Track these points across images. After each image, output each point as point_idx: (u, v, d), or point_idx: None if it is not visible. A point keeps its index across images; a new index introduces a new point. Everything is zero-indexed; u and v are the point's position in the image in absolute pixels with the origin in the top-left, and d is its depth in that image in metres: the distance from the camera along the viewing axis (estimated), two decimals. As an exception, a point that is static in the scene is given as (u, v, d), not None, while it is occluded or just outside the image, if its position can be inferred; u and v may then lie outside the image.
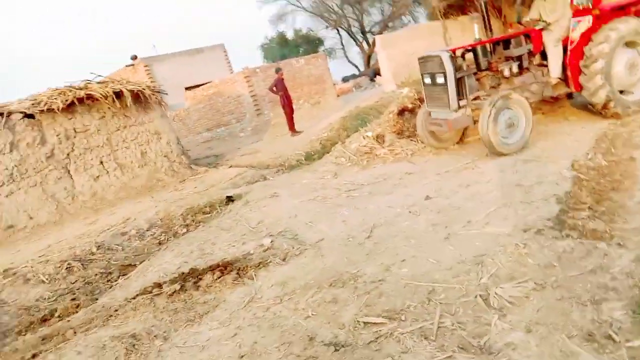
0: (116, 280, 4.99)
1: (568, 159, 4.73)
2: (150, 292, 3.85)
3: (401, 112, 7.51)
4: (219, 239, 5.07)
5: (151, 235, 6.54)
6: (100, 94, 9.26)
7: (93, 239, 6.46)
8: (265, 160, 10.20)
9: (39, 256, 6.25)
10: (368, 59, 31.38)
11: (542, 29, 6.06)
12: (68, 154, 9.15)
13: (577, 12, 6.00)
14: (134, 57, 19.02)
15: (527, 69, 6.13)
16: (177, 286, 3.80)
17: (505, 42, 6.10)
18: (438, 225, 3.98)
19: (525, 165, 5.00)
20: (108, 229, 6.89)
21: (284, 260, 4.04)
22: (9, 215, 8.22)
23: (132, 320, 3.50)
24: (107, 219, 7.74)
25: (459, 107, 5.73)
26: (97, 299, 4.51)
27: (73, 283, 5.31)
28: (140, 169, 10.01)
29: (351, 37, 32.88)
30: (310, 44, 36.84)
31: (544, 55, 6.16)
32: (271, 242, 4.46)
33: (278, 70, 12.57)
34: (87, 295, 4.88)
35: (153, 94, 10.42)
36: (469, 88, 5.77)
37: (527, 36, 6.05)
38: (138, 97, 10.04)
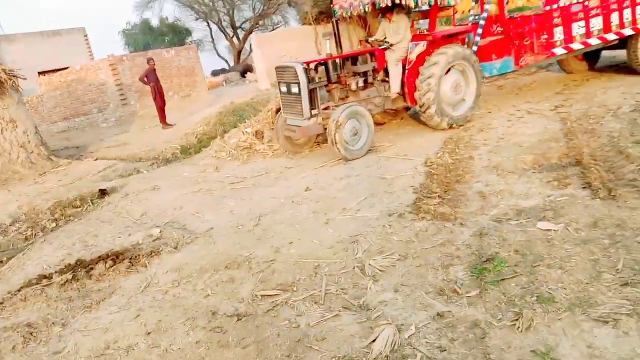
0: (-19, 278, 4.69)
1: (422, 157, 5.59)
2: (39, 284, 3.79)
3: (279, 111, 7.97)
4: (102, 231, 5.04)
5: (16, 230, 6.16)
6: (-56, 75, 8.30)
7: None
8: (137, 153, 9.96)
9: None
10: (239, 54, 31.40)
11: (385, 49, 6.74)
12: None
13: (415, 37, 6.79)
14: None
15: (372, 84, 6.77)
16: (69, 276, 3.80)
17: (354, 59, 6.74)
18: (318, 212, 4.51)
19: (388, 162, 5.78)
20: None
21: (176, 248, 4.24)
22: None
23: (23, 311, 3.45)
24: (-44, 214, 7.02)
25: (312, 116, 6.21)
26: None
27: None
28: (-5, 158, 9.14)
29: (221, 31, 32.55)
30: (177, 35, 35.67)
31: (387, 73, 6.86)
32: (160, 232, 4.61)
33: (150, 61, 12.25)
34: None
35: (9, 79, 9.55)
36: (320, 99, 6.27)
37: (373, 54, 6.71)
38: (-12, 82, 9.14)
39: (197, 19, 32.96)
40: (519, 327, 2.42)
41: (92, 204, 6.46)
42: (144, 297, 3.47)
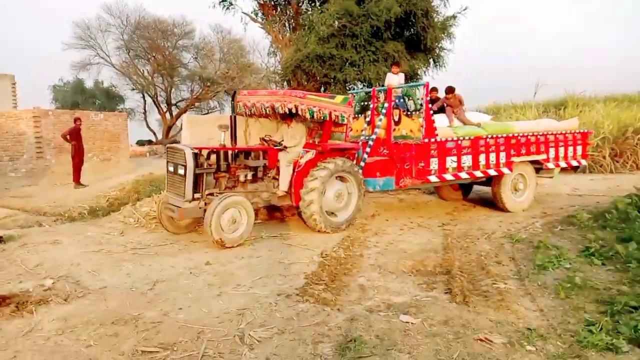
0: None
1: (319, 249, 6.12)
2: None
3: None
4: (-10, 276, 4.95)
5: None
6: None
7: None
8: (42, 207, 9.72)
9: None
10: (168, 129, 31.74)
11: (279, 150, 7.23)
12: None
13: (307, 145, 7.40)
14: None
15: (262, 179, 7.18)
16: (-53, 312, 3.74)
17: (247, 153, 7.15)
18: (213, 285, 4.80)
19: (289, 248, 6.25)
20: None
21: (66, 300, 4.31)
22: None
23: None
24: None
25: (193, 199, 6.38)
26: None
27: None
28: None
29: (155, 104, 32.98)
30: (109, 99, 35.60)
31: (278, 171, 7.28)
32: (52, 283, 4.66)
33: (77, 120, 12.33)
34: None
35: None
36: (205, 184, 6.52)
37: (265, 152, 7.15)
38: None
39: (133, 89, 33.32)
40: (362, 395, 2.82)
41: (-17, 249, 6.26)
42: (23, 340, 3.51)
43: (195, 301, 4.35)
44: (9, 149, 15.51)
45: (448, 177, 7.90)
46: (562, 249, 5.75)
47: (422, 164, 7.61)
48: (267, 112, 7.31)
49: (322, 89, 16.13)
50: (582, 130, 9.59)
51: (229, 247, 6.16)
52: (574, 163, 9.41)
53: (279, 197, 7.26)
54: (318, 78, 15.94)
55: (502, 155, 8.40)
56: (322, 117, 7.02)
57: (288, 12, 18.11)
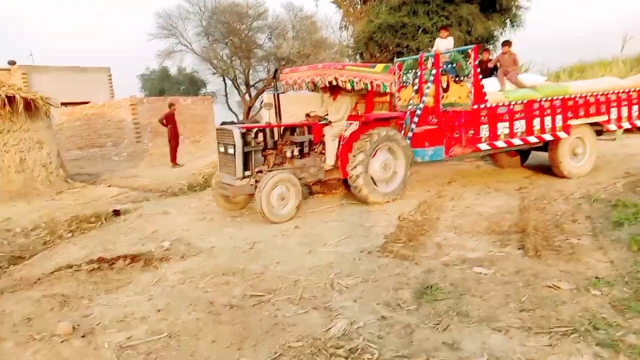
0: (7, 268, 5.49)
1: (397, 214, 6.56)
2: (69, 269, 4.64)
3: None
4: (119, 239, 5.93)
5: (36, 235, 6.96)
6: (-9, 95, 9.38)
7: (-25, 231, 6.72)
8: (147, 185, 10.91)
9: None
10: (249, 110, 33.08)
11: (324, 124, 7.35)
12: (-58, 149, 9.02)
13: (350, 117, 7.40)
14: (12, 63, 18.31)
15: (308, 154, 7.25)
16: (94, 265, 4.66)
17: (292, 129, 7.27)
18: (303, 244, 5.42)
19: (369, 213, 6.74)
20: (-13, 225, 7.14)
21: (182, 258, 5.12)
22: None
23: (57, 286, 4.29)
24: (-20, 218, 7.85)
25: (244, 177, 6.55)
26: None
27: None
28: (17, 174, 10.08)
29: (235, 87, 34.44)
30: (192, 85, 37.66)
31: (325, 145, 7.38)
32: (169, 245, 5.50)
33: (171, 105, 13.49)
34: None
35: (44, 105, 10.69)
36: (255, 162, 6.67)
37: (310, 127, 7.27)
38: (28, 105, 10.24)
39: (213, 73, 34.95)
40: (437, 328, 3.29)
41: (106, 221, 7.34)
42: (155, 287, 4.32)
43: (289, 257, 4.99)
44: (112, 135, 17.23)
45: (500, 144, 7.72)
46: (641, 206, 5.77)
47: (472, 132, 7.44)
48: (309, 87, 7.46)
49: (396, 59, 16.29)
50: None
51: (278, 222, 6.32)
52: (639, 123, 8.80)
53: (326, 172, 7.33)
54: (391, 48, 16.09)
55: (558, 118, 8.05)
56: (363, 87, 7.06)
57: None
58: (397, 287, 4.06)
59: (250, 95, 34.18)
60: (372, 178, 7.21)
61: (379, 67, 7.40)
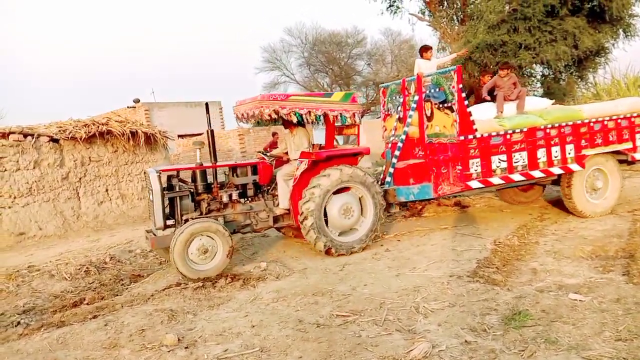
0: (129, 285, 6.18)
1: (493, 237, 6.38)
2: (178, 286, 5.17)
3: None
4: (222, 261, 6.43)
5: (153, 255, 7.74)
6: (119, 131, 10.69)
7: (104, 251, 7.65)
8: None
9: (57, 259, 7.38)
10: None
11: (280, 162, 6.56)
12: (80, 179, 10.43)
13: (303, 154, 6.36)
14: (137, 101, 20.59)
15: (258, 197, 6.39)
16: (200, 284, 5.14)
17: (234, 169, 6.39)
18: (392, 267, 5.50)
19: (462, 237, 6.63)
20: (114, 246, 8.08)
21: (277, 278, 5.45)
22: (22, 223, 9.36)
23: (167, 302, 4.81)
24: (108, 239, 8.89)
25: (166, 227, 5.80)
26: (117, 295, 5.72)
27: (91, 283, 6.44)
28: (139, 201, 11.29)
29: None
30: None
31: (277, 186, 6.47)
32: (266, 265, 5.86)
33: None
34: (107, 292, 6.07)
35: (162, 138, 11.93)
36: (182, 208, 5.87)
37: (254, 167, 6.36)
38: (148, 139, 11.50)
39: (315, 101, 36.22)
40: (522, 355, 3.21)
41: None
42: (251, 305, 4.65)
43: (377, 279, 5.10)
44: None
45: (495, 180, 6.59)
46: None
47: (460, 167, 6.40)
48: (255, 121, 6.74)
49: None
50: None
51: (202, 279, 5.44)
52: None
53: (282, 217, 6.44)
54: (491, 67, 15.70)
55: (569, 148, 6.89)
56: (315, 119, 6.12)
57: (455, 5, 18.12)
58: (484, 313, 4.00)
59: (350, 121, 34.85)
60: (329, 225, 6.22)
61: (337, 95, 6.42)
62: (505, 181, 6.69)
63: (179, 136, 20.70)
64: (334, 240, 6.17)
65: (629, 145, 7.21)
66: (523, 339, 3.45)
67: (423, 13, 18.92)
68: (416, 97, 7.02)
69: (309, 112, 6.01)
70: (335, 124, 6.49)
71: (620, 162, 7.35)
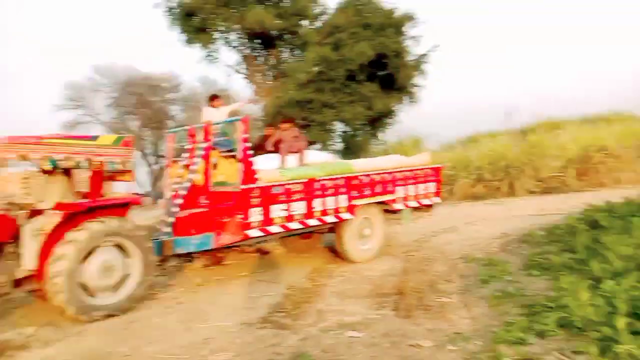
0: None
1: (288, 282, 6.56)
2: None
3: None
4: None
5: None
6: None
7: None
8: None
9: None
10: (156, 180, 32.34)
11: (30, 214, 5.40)
12: None
13: (59, 205, 5.40)
14: None
15: None
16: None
17: None
18: (183, 321, 5.23)
19: (259, 284, 6.66)
20: None
21: (45, 344, 4.73)
22: None
23: None
24: None
25: None
26: None
27: None
28: None
29: (144, 158, 33.72)
30: (97, 157, 36.27)
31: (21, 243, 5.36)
32: (34, 330, 5.06)
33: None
34: None
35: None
36: None
37: None
38: None
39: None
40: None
41: None
42: None
43: (164, 335, 4.78)
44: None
45: (274, 229, 6.62)
46: (506, 264, 6.29)
47: (240, 216, 6.27)
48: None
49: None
50: (434, 166, 8.74)
51: None
52: (426, 201, 8.50)
53: (25, 279, 5.36)
54: (297, 121, 16.88)
55: (342, 198, 7.32)
56: (75, 166, 5.44)
57: (269, 62, 19.16)
58: (270, 359, 4.02)
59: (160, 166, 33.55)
60: (86, 287, 5.36)
61: (106, 138, 5.71)
62: (284, 229, 6.76)
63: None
64: (88, 303, 5.29)
65: (391, 197, 7.92)
66: (302, 382, 3.54)
67: (239, 65, 19.54)
68: (204, 144, 6.89)
69: (68, 157, 5.28)
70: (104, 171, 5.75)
71: (386, 211, 8.12)
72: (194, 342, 4.53)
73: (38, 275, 5.28)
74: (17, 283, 5.33)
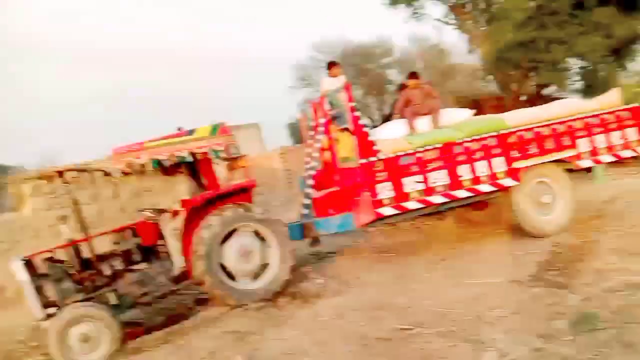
0: (196, 309, 6.35)
1: (550, 238, 6.21)
2: (240, 307, 5.34)
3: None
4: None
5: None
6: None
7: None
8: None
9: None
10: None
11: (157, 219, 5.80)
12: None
13: (183, 202, 5.81)
14: (179, 129, 21.32)
15: (150, 260, 5.73)
16: (261, 304, 5.31)
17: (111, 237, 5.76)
18: (449, 277, 5.48)
19: (519, 240, 6.45)
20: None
21: (335, 294, 5.52)
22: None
23: (232, 324, 4.98)
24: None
25: (49, 315, 5.06)
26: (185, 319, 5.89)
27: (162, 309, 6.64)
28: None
29: (371, 125, 35.41)
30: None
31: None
32: (323, 281, 5.95)
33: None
34: (174, 317, 6.23)
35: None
36: (61, 292, 5.17)
37: (133, 228, 5.72)
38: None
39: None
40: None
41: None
42: (313, 323, 4.76)
43: (435, 290, 5.08)
44: (266, 183, 18.91)
45: (412, 205, 5.93)
46: None
47: (368, 193, 5.79)
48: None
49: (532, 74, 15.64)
50: (631, 106, 6.83)
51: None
52: (627, 153, 6.71)
53: (181, 275, 5.74)
54: (522, 65, 15.47)
55: (498, 161, 6.16)
56: (180, 162, 5.57)
57: (478, 6, 17.93)
58: (551, 318, 3.93)
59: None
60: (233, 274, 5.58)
61: (203, 130, 5.71)
62: (426, 204, 6.04)
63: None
64: (236, 289, 5.52)
65: (572, 152, 6.46)
66: (596, 343, 3.37)
67: (448, 17, 18.79)
68: (323, 120, 6.44)
69: (172, 155, 5.42)
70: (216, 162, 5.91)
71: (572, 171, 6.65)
72: (466, 298, 4.70)
73: (188, 269, 5.63)
74: (176, 279, 5.74)
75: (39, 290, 5.10)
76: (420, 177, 5.95)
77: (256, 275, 5.66)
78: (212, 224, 5.44)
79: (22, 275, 5.05)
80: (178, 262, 5.70)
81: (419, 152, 6.00)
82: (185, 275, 5.71)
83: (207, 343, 4.58)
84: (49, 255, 5.40)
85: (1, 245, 10.26)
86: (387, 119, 6.95)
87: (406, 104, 6.78)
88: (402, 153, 5.96)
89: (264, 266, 5.69)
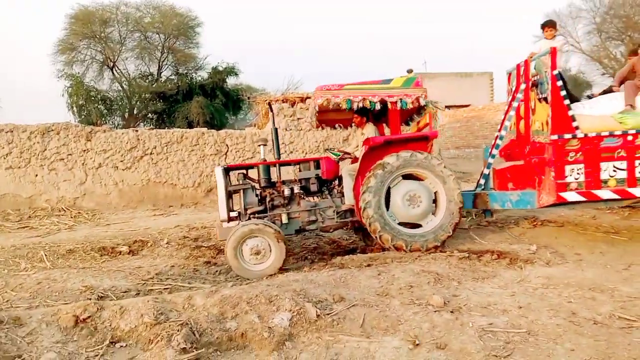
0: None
1: None
2: (444, 252, 5.42)
3: None
4: (485, 237, 6.41)
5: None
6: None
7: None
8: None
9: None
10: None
11: (342, 158, 6.41)
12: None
13: (364, 142, 6.11)
14: (410, 71, 21.46)
15: (324, 193, 6.30)
16: (465, 254, 5.28)
17: (297, 165, 6.53)
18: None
19: None
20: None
21: (547, 264, 5.17)
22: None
23: (433, 265, 5.10)
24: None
25: (230, 219, 5.90)
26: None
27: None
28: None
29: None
30: (576, 87, 35.06)
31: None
32: (536, 249, 5.61)
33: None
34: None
35: (432, 109, 12.26)
36: (245, 202, 6.02)
37: (317, 162, 6.34)
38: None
39: (603, 74, 31.62)
40: None
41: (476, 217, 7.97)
42: (518, 286, 4.56)
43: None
44: (487, 137, 18.03)
45: (604, 194, 5.33)
46: None
47: (552, 174, 5.37)
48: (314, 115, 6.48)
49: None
50: None
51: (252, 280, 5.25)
52: None
53: (347, 212, 6.13)
54: None
55: None
56: (369, 107, 5.83)
57: None
58: None
59: None
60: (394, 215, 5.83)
61: (397, 80, 5.96)
62: (621, 196, 5.41)
63: (446, 107, 20.87)
64: (401, 232, 5.73)
65: None
66: None
67: None
68: (522, 86, 6.21)
69: (364, 99, 5.78)
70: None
71: None
72: None
73: (356, 209, 5.95)
74: (341, 216, 6.20)
75: (229, 195, 6.02)
76: (623, 164, 5.40)
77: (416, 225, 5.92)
78: (388, 161, 5.76)
79: (220, 179, 5.94)
80: (348, 200, 6.15)
81: (630, 134, 5.37)
82: (351, 212, 6.15)
83: (406, 276, 4.79)
84: (244, 170, 6.34)
85: (247, 154, 12.17)
86: (607, 91, 6.09)
87: (631, 75, 6.01)
88: (607, 133, 5.43)
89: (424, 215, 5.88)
